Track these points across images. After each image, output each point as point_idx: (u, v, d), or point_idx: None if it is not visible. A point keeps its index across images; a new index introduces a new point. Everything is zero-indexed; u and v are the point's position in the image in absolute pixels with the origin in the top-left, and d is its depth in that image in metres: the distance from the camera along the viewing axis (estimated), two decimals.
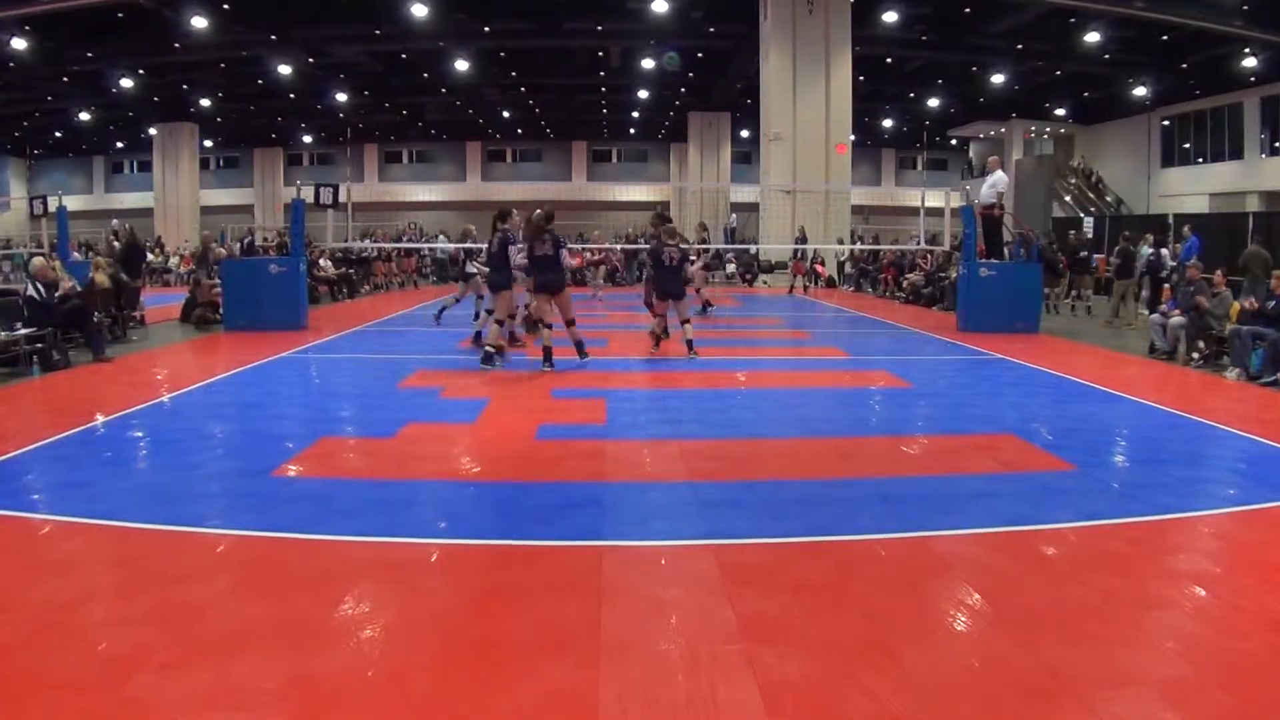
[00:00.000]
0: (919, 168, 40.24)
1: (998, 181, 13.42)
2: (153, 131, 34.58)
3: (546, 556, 3.92)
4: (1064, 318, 15.03)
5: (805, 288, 20.95)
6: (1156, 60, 24.76)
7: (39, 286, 9.29)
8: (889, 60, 27.12)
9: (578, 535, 4.15)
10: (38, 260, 10.09)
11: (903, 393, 8.18)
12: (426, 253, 24.15)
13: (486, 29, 23.84)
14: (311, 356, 10.14)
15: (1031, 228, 16.58)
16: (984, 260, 12.87)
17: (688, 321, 9.88)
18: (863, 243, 25.02)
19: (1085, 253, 16.12)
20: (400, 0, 20.97)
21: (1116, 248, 15.24)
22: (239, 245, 17.44)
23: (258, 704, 2.67)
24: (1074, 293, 16.36)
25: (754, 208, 26.83)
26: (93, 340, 9.52)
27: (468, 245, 13.17)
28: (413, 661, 2.94)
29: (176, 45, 23.64)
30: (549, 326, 9.02)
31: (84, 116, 32.79)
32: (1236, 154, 26.17)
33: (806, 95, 21.67)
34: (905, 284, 18.45)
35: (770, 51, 21.70)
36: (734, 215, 30.67)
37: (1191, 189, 27.41)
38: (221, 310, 12.73)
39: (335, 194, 13.27)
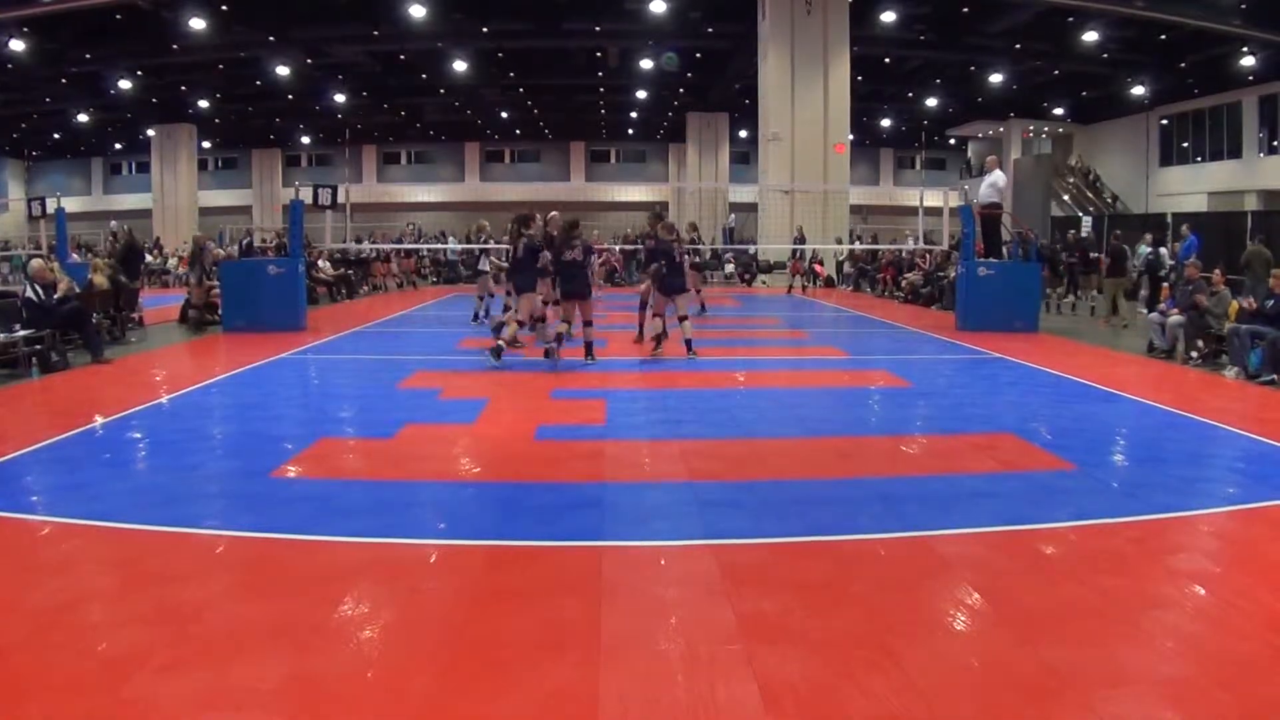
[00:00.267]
0: (917, 167, 40.25)
1: (998, 180, 13.43)
2: (151, 133, 34.55)
3: (546, 557, 3.91)
4: (1065, 317, 15.03)
5: (804, 287, 20.96)
6: (1155, 59, 24.79)
7: (37, 288, 9.28)
8: (887, 60, 27.11)
9: (577, 535, 4.15)
10: (36, 262, 10.08)
11: (902, 392, 8.18)
12: (426, 253, 24.14)
13: (485, 29, 23.83)
14: (310, 357, 10.13)
15: (1030, 227, 16.59)
16: (983, 259, 12.88)
17: (686, 319, 9.89)
18: (861, 242, 25.02)
19: (1096, 254, 16.00)
20: (398, 1, 20.96)
21: (1109, 246, 15.25)
22: (238, 247, 17.43)
23: (257, 705, 2.67)
24: (1077, 292, 16.34)
25: (752, 208, 26.84)
26: (91, 342, 9.51)
27: (481, 244, 13.18)
28: (412, 662, 2.94)
29: (175, 46, 23.61)
30: (568, 324, 9.32)
31: (82, 118, 32.78)
32: (1235, 153, 26.19)
33: (805, 95, 21.67)
34: (904, 283, 18.46)
35: (769, 51, 21.70)
36: (733, 215, 30.69)
37: (1190, 188, 27.43)
38: (220, 311, 12.72)
39: (334, 195, 13.25)
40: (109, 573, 3.71)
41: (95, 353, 9.41)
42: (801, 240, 20.10)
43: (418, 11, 21.22)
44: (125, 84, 26.76)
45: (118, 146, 39.41)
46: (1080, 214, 26.66)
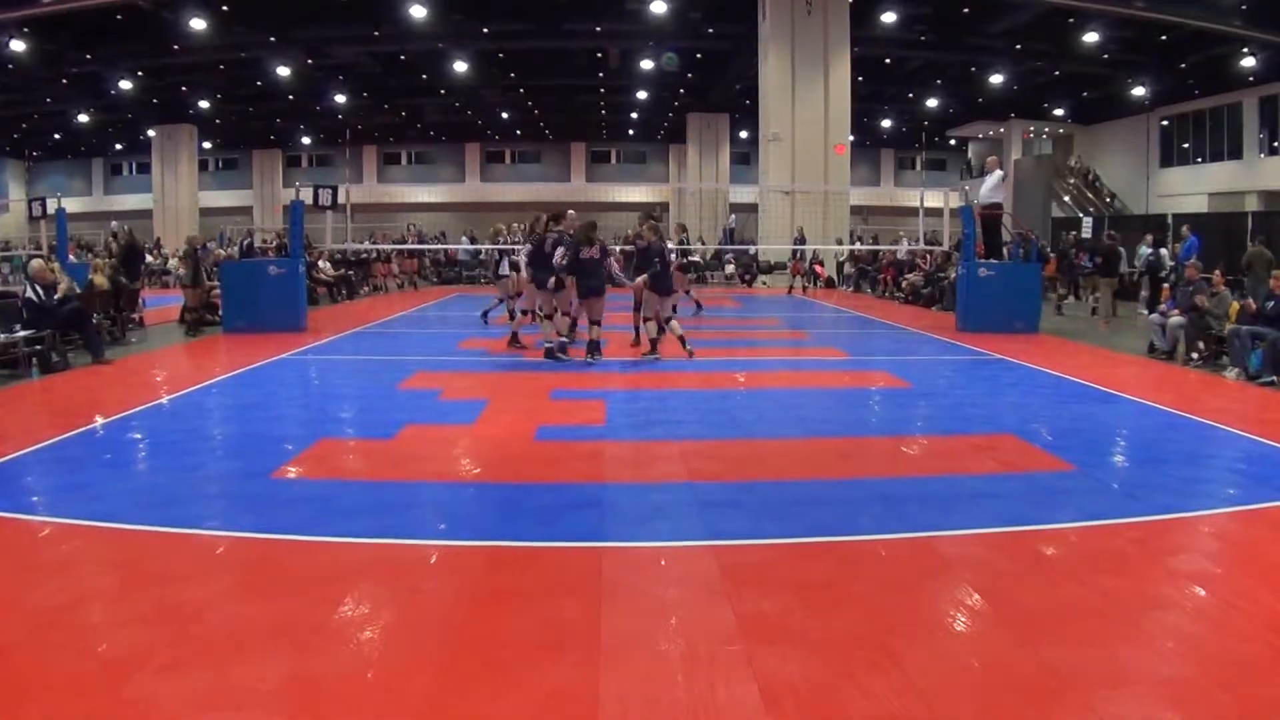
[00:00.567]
0: (918, 168, 40.24)
1: (998, 181, 13.43)
2: (151, 133, 34.57)
3: (546, 557, 3.91)
4: (1070, 319, 14.97)
5: (804, 288, 20.96)
6: (1155, 60, 24.77)
7: (38, 288, 9.29)
8: (888, 61, 27.11)
9: (578, 536, 4.15)
10: (36, 262, 10.08)
11: (902, 393, 8.18)
12: (427, 254, 24.14)
13: (485, 30, 23.84)
14: (311, 358, 10.13)
15: (1031, 228, 16.58)
16: (983, 260, 12.88)
17: (672, 319, 9.93)
18: (861, 243, 25.03)
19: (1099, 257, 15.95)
20: (399, 1, 20.96)
21: (1101, 246, 15.23)
22: (238, 248, 17.44)
23: (257, 705, 2.67)
24: (1078, 293, 16.32)
25: (753, 208, 26.83)
26: (91, 342, 9.52)
27: (502, 245, 13.20)
28: (412, 663, 2.94)
29: (175, 47, 23.62)
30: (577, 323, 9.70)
31: (83, 118, 32.79)
32: (1235, 154, 26.18)
33: (805, 96, 21.67)
34: (904, 284, 18.46)
35: (769, 52, 21.71)
36: (733, 216, 30.64)
37: (1190, 189, 27.42)
38: (220, 312, 12.73)
39: (334, 195, 13.26)
40: (109, 573, 3.71)
41: (95, 353, 9.41)
42: (802, 241, 20.11)
43: (418, 12, 21.23)
44: (126, 84, 26.78)
45: (118, 147, 39.42)
46: (1080, 215, 26.66)
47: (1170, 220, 19.60)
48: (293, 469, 5.36)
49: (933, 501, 4.71)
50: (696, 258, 16.58)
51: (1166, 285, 13.45)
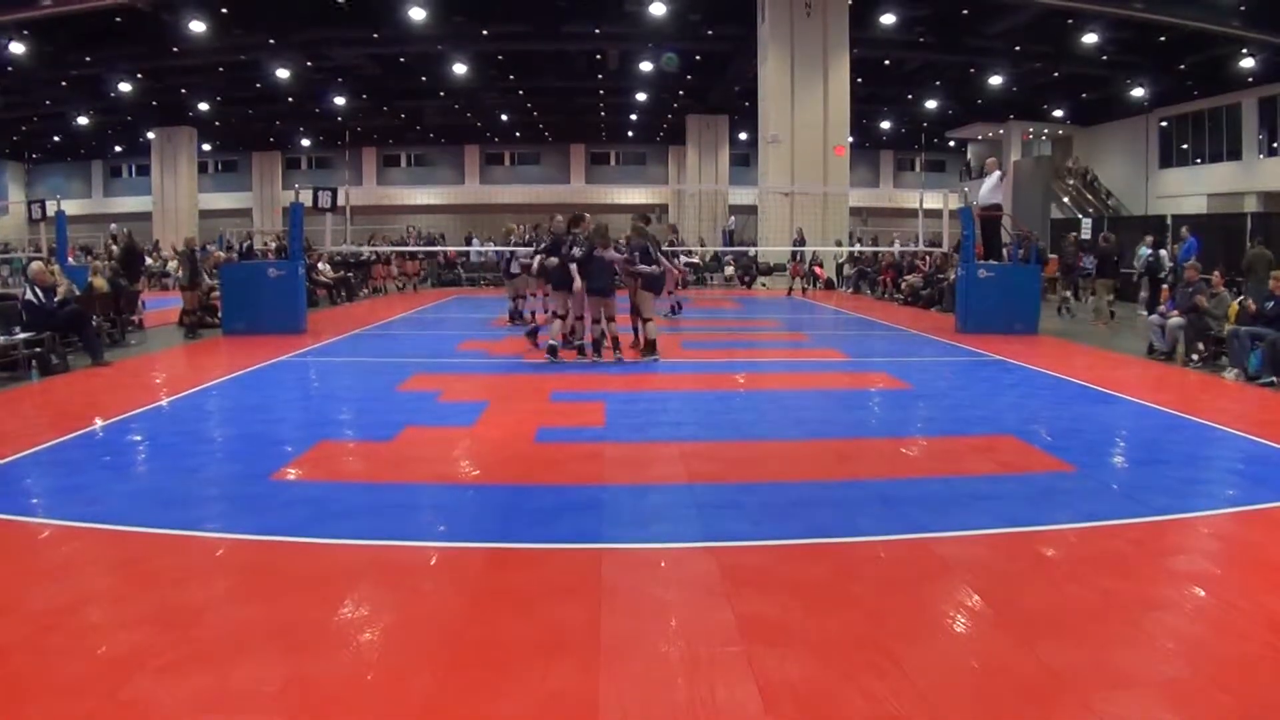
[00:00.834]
0: (917, 169, 40.30)
1: (998, 182, 13.44)
2: (151, 135, 34.58)
3: (546, 559, 3.91)
4: (1066, 319, 14.97)
5: (804, 290, 20.98)
6: (1154, 61, 24.79)
7: (37, 291, 9.29)
8: (887, 62, 27.14)
9: (577, 538, 4.15)
10: (36, 264, 10.09)
11: (902, 394, 8.18)
12: (423, 256, 24.15)
13: (485, 32, 23.85)
14: (310, 360, 10.13)
15: (1030, 229, 16.56)
16: (982, 262, 12.88)
17: (650, 320, 9.96)
18: (861, 244, 25.04)
19: (1117, 257, 15.90)
20: (398, 3, 20.98)
21: (1096, 247, 15.23)
22: (236, 250, 17.45)
23: (257, 707, 2.67)
24: (1077, 294, 16.30)
25: (752, 210, 26.85)
26: (91, 344, 9.52)
27: (514, 245, 13.26)
28: (412, 665, 2.94)
29: (175, 49, 23.62)
30: (600, 320, 9.74)
31: (82, 121, 32.80)
32: (1235, 155, 26.19)
33: (805, 97, 21.69)
34: (904, 285, 18.47)
35: (768, 54, 21.73)
36: (733, 217, 30.71)
37: (1190, 190, 27.44)
38: (220, 314, 12.73)
39: (334, 197, 13.26)
40: (109, 575, 3.71)
41: (95, 355, 9.41)
42: (801, 242, 20.12)
43: (418, 14, 21.24)
44: (125, 87, 26.78)
45: (118, 149, 39.44)
46: (1079, 216, 26.66)
47: (1169, 221, 19.60)
48: (292, 471, 5.36)
49: (932, 502, 4.71)
50: (683, 258, 16.59)
51: (1166, 286, 13.44)
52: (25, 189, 38.87)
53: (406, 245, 24.99)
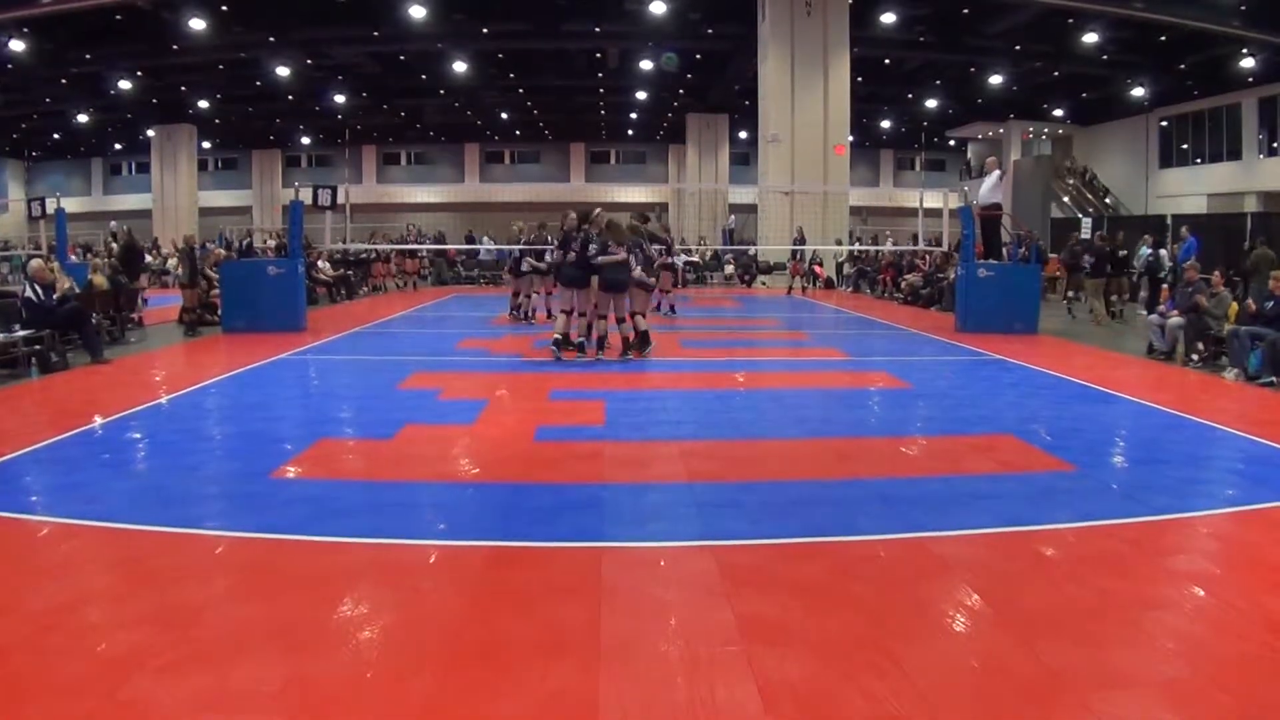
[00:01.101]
0: (917, 168, 40.29)
1: (998, 181, 13.44)
2: (151, 133, 34.55)
3: (546, 558, 3.91)
4: (1066, 319, 14.97)
5: (803, 289, 20.98)
6: (1154, 61, 24.79)
7: (37, 288, 9.28)
8: (887, 61, 27.13)
9: (577, 537, 4.15)
10: (36, 262, 10.08)
11: (901, 393, 8.18)
12: (425, 254, 24.14)
13: (485, 30, 23.85)
14: (310, 358, 10.13)
15: (1030, 228, 16.57)
16: (982, 261, 12.88)
17: (637, 314, 9.97)
18: (861, 243, 25.04)
19: (1125, 252, 15.82)
20: (398, 2, 20.97)
21: (1093, 247, 15.24)
22: (236, 249, 17.43)
23: (257, 706, 2.67)
24: (1078, 294, 16.28)
25: (752, 209, 26.84)
26: (91, 342, 9.51)
27: (523, 244, 13.26)
28: (412, 664, 2.93)
29: (175, 47, 23.61)
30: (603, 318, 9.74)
31: (82, 118, 32.78)
32: (1235, 155, 26.19)
33: (805, 96, 21.68)
34: (903, 285, 18.46)
35: (768, 53, 21.72)
36: (732, 216, 30.68)
37: (1190, 190, 27.44)
38: (219, 312, 12.72)
39: (333, 195, 13.25)
40: (108, 573, 3.71)
41: (95, 353, 9.40)
42: (801, 241, 20.13)
43: (418, 12, 21.24)
44: (125, 84, 26.76)
45: (118, 147, 39.43)
46: (1079, 215, 26.68)
47: (1169, 221, 19.61)
48: (292, 469, 5.35)
49: (932, 502, 4.71)
50: (675, 259, 16.57)
51: (1166, 286, 13.44)
52: (25, 186, 38.88)
53: (409, 244, 24.93)
